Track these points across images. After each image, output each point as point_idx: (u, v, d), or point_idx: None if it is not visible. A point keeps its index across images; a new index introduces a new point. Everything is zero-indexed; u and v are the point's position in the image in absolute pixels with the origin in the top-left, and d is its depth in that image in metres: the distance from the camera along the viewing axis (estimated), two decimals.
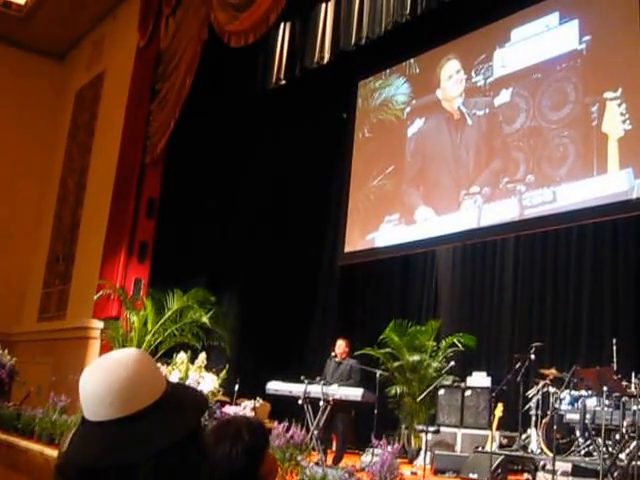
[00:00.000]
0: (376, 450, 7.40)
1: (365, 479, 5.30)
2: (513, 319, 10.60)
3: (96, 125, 13.94)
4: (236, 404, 8.44)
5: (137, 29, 12.33)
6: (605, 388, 6.62)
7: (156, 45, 12.00)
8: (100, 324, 11.45)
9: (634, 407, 6.79)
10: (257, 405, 8.62)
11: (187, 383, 7.33)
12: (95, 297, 11.12)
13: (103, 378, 1.47)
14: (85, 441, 1.50)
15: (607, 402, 7.04)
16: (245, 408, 7.32)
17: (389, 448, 5.34)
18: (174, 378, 7.46)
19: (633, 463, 6.35)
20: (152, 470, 1.44)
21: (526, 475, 7.85)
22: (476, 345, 10.20)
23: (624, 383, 7.27)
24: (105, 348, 11.04)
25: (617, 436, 7.02)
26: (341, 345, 9.03)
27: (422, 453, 8.52)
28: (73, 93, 15.25)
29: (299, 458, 5.78)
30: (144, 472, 1.43)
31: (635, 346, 8.74)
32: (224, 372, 7.99)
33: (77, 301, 12.68)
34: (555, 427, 7.07)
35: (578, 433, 7.67)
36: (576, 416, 7.69)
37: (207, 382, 7.42)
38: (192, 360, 8.20)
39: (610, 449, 7.02)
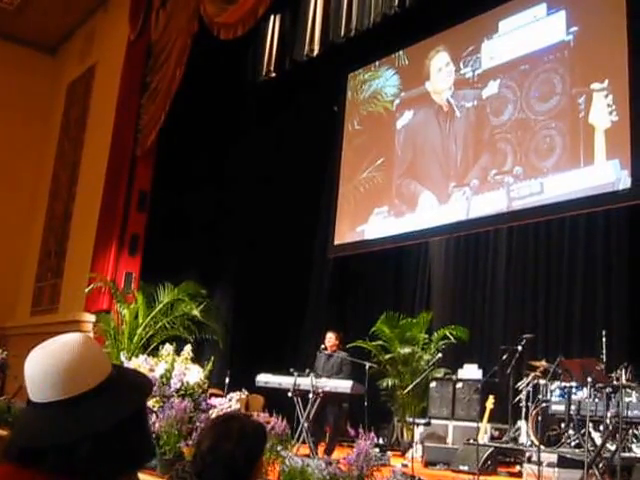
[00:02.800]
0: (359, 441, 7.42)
1: (343, 469, 5.31)
2: (505, 311, 10.62)
3: (88, 118, 13.92)
4: (227, 396, 8.43)
5: (128, 22, 12.31)
6: (589, 379, 6.61)
7: (147, 38, 11.98)
8: (92, 317, 11.45)
9: (621, 398, 6.79)
10: (247, 397, 8.63)
11: (173, 374, 7.35)
12: (86, 290, 11.13)
13: (47, 360, 1.51)
14: (27, 422, 1.55)
15: (595, 393, 7.05)
16: (231, 400, 7.32)
17: (364, 438, 5.35)
18: (161, 370, 7.46)
19: (617, 454, 6.34)
20: (91, 451, 1.46)
21: (517, 467, 7.88)
22: (468, 337, 10.23)
23: (613, 375, 7.28)
24: (97, 341, 11.03)
25: (601, 427, 7.04)
26: (331, 338, 9.03)
27: (413, 445, 8.55)
28: (65, 86, 15.23)
29: (279, 449, 5.81)
30: (82, 453, 1.46)
31: (627, 338, 8.76)
32: (210, 364, 8.00)
33: (69, 295, 12.68)
34: (540, 418, 7.08)
35: (565, 425, 7.67)
36: (562, 407, 7.70)
37: (192, 374, 7.42)
38: (180, 352, 8.19)
39: (597, 440, 7.03)
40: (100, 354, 1.59)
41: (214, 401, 7.44)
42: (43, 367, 1.50)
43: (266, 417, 6.37)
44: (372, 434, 5.68)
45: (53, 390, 1.49)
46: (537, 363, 8.55)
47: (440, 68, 10.91)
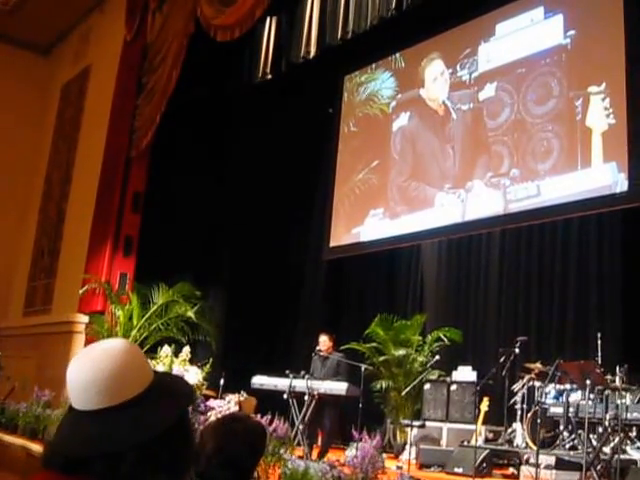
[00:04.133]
0: (360, 444, 7.41)
1: (347, 472, 5.29)
2: (499, 313, 10.64)
3: (82, 119, 13.86)
4: (221, 398, 8.43)
5: (124, 23, 12.27)
6: (588, 382, 6.63)
7: (143, 39, 11.95)
8: (85, 318, 11.41)
9: (617, 400, 6.82)
10: (242, 399, 8.62)
11: None
12: (80, 291, 11.09)
13: (90, 367, 1.48)
14: (72, 430, 1.50)
15: (591, 396, 7.07)
16: (230, 402, 7.31)
17: (370, 441, 5.33)
18: None
19: (616, 456, 6.36)
20: (138, 459, 1.45)
21: (511, 469, 7.88)
22: (462, 339, 10.23)
23: (608, 377, 7.31)
24: (90, 343, 10.98)
25: (600, 429, 7.05)
26: (325, 341, 9.03)
27: (407, 447, 8.54)
28: (59, 87, 15.17)
29: (281, 451, 5.78)
30: (130, 461, 1.44)
31: (620, 340, 8.78)
32: (208, 366, 7.99)
33: (62, 295, 12.63)
34: (540, 421, 7.08)
35: (562, 427, 7.69)
36: (560, 410, 7.72)
37: (191, 375, 7.42)
38: (177, 354, 8.19)
39: (594, 442, 7.05)
40: (143, 360, 1.57)
41: (212, 403, 7.42)
42: (88, 374, 1.47)
43: (267, 419, 6.34)
44: (377, 437, 5.67)
45: (99, 397, 1.46)
46: (532, 365, 8.56)
47: (435, 78, 10.91)
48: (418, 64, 11.23)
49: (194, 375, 7.47)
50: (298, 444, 7.84)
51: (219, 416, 7.36)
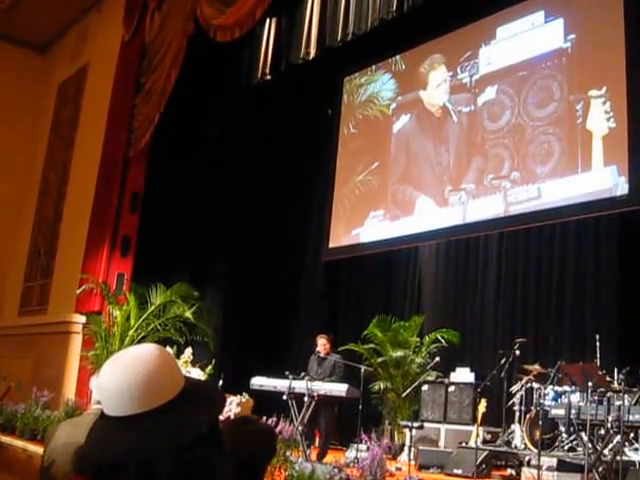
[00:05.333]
0: (361, 446, 7.42)
1: (355, 474, 5.29)
2: (496, 315, 10.65)
3: (79, 118, 13.83)
4: None
5: (122, 22, 12.25)
6: (590, 383, 6.65)
7: (141, 38, 11.94)
8: (82, 319, 11.39)
9: (618, 402, 6.85)
10: (242, 400, 8.62)
11: None
12: (77, 291, 11.07)
13: (123, 374, 1.47)
14: (105, 436, 1.50)
15: (592, 398, 7.10)
16: (231, 403, 7.29)
17: (379, 443, 5.33)
18: None
19: (617, 458, 6.39)
20: (172, 466, 1.44)
21: (510, 470, 7.90)
22: (459, 341, 10.26)
23: (608, 379, 7.34)
24: (87, 343, 11.00)
25: (602, 431, 7.08)
26: (323, 342, 9.03)
27: (406, 449, 8.55)
28: (56, 86, 15.13)
29: (287, 453, 5.77)
30: (164, 468, 1.43)
31: (617, 342, 8.80)
32: (210, 367, 7.97)
33: (59, 295, 12.59)
34: (540, 422, 7.10)
35: (562, 428, 7.70)
36: (560, 411, 7.73)
37: (194, 377, 7.39)
38: (178, 355, 8.18)
39: (595, 444, 7.08)
40: (174, 366, 1.56)
41: None
42: (120, 380, 1.46)
43: (273, 421, 6.32)
44: (386, 440, 5.66)
45: (132, 403, 1.45)
46: (530, 367, 8.57)
47: (439, 84, 10.89)
48: (419, 66, 11.25)
49: (196, 377, 7.44)
50: (297, 445, 7.85)
51: (232, 419, 7.38)
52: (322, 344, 9.02)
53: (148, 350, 1.53)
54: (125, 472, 1.43)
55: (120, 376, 1.47)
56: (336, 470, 5.20)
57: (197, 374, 7.48)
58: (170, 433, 1.45)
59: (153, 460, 1.43)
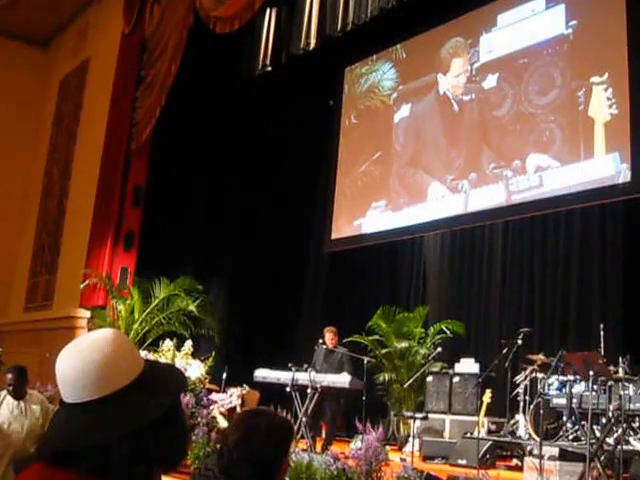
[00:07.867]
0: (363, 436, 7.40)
1: (351, 464, 5.28)
2: (501, 305, 10.61)
3: (81, 113, 13.81)
4: (224, 392, 8.43)
5: (122, 16, 12.22)
6: (591, 372, 6.61)
7: (141, 31, 11.92)
8: (87, 313, 11.40)
9: (621, 391, 6.80)
10: (245, 393, 8.62)
11: None
12: (81, 286, 11.07)
13: (77, 360, 1.48)
14: (61, 423, 1.51)
15: (594, 387, 7.06)
16: (232, 396, 7.29)
17: (373, 433, 5.32)
18: None
19: (619, 447, 6.35)
20: (126, 451, 1.44)
21: (515, 460, 7.87)
22: (464, 331, 10.22)
23: (611, 368, 7.29)
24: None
25: (604, 420, 7.04)
26: (331, 336, 9.02)
27: (411, 439, 8.53)
28: (57, 80, 15.11)
29: None
30: (118, 453, 1.43)
31: (623, 331, 8.76)
32: (210, 360, 7.97)
33: (64, 291, 12.60)
34: (542, 412, 7.06)
35: (565, 418, 7.67)
36: (563, 401, 7.70)
37: (193, 369, 7.40)
38: (179, 348, 8.18)
39: (597, 433, 7.04)
40: (132, 350, 1.56)
41: (215, 396, 7.41)
42: (74, 367, 1.47)
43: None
44: (380, 429, 5.65)
45: (85, 390, 1.46)
46: (535, 357, 8.53)
47: (459, 74, 10.76)
48: (419, 54, 11.20)
49: (197, 369, 7.46)
50: (302, 437, 7.84)
51: (222, 409, 7.39)
52: (330, 338, 9.01)
53: (103, 335, 1.53)
54: (79, 458, 1.43)
55: (74, 363, 1.48)
56: (332, 460, 5.19)
57: (197, 366, 7.47)
58: (121, 419, 1.44)
59: (107, 446, 1.43)
